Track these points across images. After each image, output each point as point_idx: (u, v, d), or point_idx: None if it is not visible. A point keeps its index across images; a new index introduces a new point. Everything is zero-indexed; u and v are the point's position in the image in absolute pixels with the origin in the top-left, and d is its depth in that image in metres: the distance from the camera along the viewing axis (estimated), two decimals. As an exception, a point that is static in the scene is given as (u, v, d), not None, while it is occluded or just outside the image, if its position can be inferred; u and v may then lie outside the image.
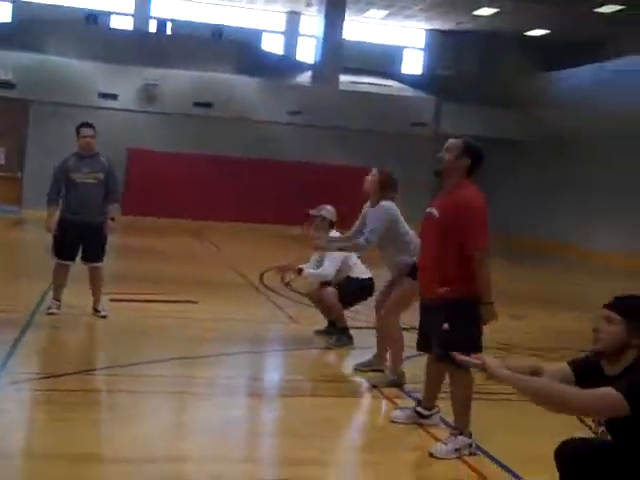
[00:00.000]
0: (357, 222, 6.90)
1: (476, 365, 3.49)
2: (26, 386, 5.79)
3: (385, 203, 6.57)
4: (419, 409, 5.51)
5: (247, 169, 23.98)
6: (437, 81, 28.47)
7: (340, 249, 7.22)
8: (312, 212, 8.14)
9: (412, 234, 6.57)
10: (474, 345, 4.93)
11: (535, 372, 3.52)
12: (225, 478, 4.44)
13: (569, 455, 3.48)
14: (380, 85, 27.30)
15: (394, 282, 6.63)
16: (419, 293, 5.41)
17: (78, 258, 8.44)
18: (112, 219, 8.43)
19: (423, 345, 5.40)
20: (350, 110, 24.64)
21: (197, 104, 23.74)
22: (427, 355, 5.42)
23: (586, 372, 3.46)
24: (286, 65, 27.30)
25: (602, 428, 3.39)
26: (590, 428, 4.01)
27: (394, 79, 28.84)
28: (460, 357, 3.60)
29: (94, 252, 8.43)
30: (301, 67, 27.46)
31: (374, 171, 6.73)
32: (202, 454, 4.83)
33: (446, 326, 4.96)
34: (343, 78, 26.03)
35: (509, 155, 24.48)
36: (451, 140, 5.22)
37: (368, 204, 6.78)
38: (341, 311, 7.86)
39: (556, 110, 24.41)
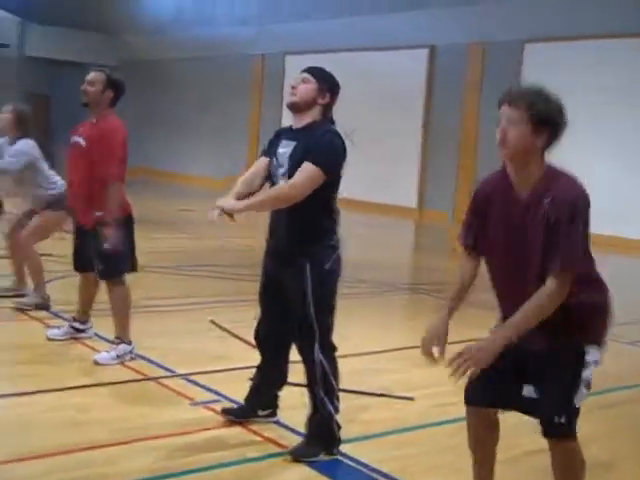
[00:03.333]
0: None
1: (221, 212, 3.88)
2: None
3: (28, 141, 6.70)
4: (75, 324, 6.00)
5: None
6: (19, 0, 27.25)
7: None
8: None
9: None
10: (130, 256, 5.63)
11: (252, 192, 4.08)
12: None
13: (272, 336, 4.26)
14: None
15: (33, 212, 6.86)
16: (76, 219, 5.82)
17: None
18: None
19: (79, 266, 5.85)
20: None
21: None
22: (75, 276, 5.90)
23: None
24: None
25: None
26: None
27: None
28: (211, 214, 3.91)
29: None
30: None
31: (8, 107, 6.79)
32: None
33: (106, 245, 5.46)
34: None
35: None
36: (93, 73, 5.56)
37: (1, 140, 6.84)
38: None
39: (142, 36, 25.03)
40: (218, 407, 4.61)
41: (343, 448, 4.10)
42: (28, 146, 6.71)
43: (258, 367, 4.42)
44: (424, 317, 7.62)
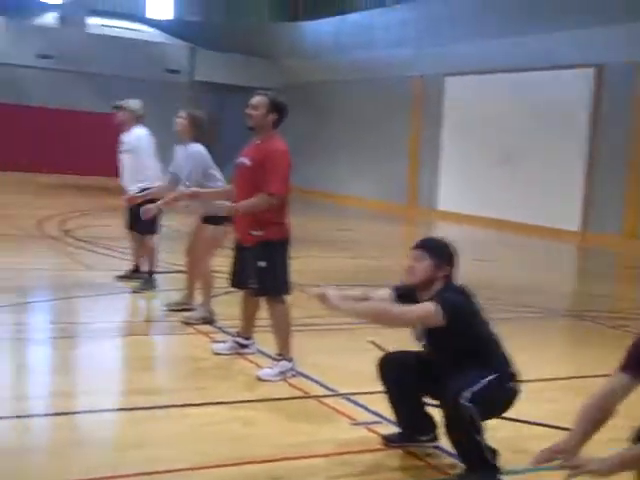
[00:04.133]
0: (171, 165, 7.30)
1: (318, 296, 4.12)
2: None
3: (198, 146, 7.04)
4: (239, 340, 6.17)
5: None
6: (188, 27, 28.63)
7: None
8: (117, 103, 8.25)
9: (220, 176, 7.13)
10: (285, 280, 5.71)
11: (366, 299, 4.30)
12: (72, 409, 4.87)
13: (393, 364, 4.31)
14: (131, 29, 26.98)
15: (202, 227, 7.15)
16: (236, 236, 5.96)
17: None
18: None
19: (236, 282, 5.99)
20: (101, 55, 24.22)
21: None
22: (239, 292, 6.06)
23: (406, 297, 4.28)
24: (29, 5, 26.10)
25: (423, 342, 4.24)
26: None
27: (142, 23, 28.59)
28: (310, 290, 4.25)
29: None
30: (45, 7, 26.38)
31: (182, 113, 7.15)
32: (47, 391, 5.21)
33: (262, 264, 5.60)
34: (92, 21, 25.42)
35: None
36: (257, 97, 5.72)
37: (179, 146, 7.19)
38: (155, 255, 8.24)
39: (302, 60, 25.63)
40: (379, 428, 4.61)
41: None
42: (201, 150, 7.02)
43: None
44: (588, 346, 7.34)
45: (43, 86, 23.65)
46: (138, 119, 8.27)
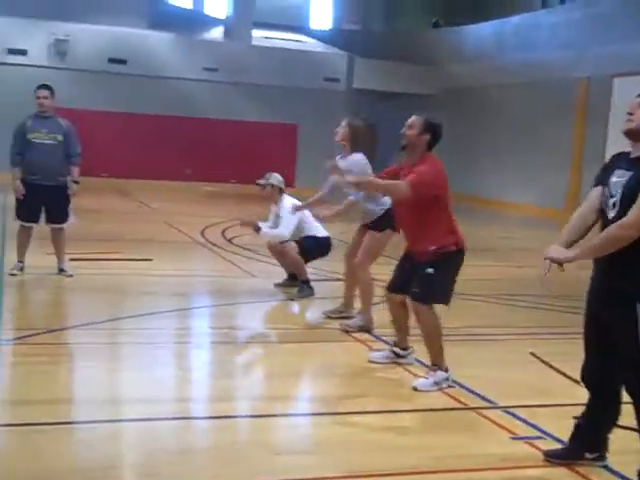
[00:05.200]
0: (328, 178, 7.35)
1: (554, 261, 3.85)
2: (28, 341, 6.08)
3: (358, 155, 7.05)
4: (395, 349, 6.11)
5: (162, 127, 24.02)
6: (346, 36, 28.94)
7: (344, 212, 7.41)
8: (261, 182, 8.56)
9: None
10: (450, 290, 5.57)
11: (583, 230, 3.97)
12: (232, 413, 4.96)
13: (598, 375, 4.04)
14: (292, 40, 27.58)
15: (363, 233, 7.14)
16: (407, 247, 5.79)
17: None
18: (76, 182, 8.63)
19: (395, 287, 5.86)
20: (264, 66, 24.89)
21: (112, 60, 23.54)
22: (387, 299, 5.97)
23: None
24: (196, 20, 27.21)
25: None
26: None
27: (304, 34, 29.15)
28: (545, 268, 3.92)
29: (57, 214, 8.64)
30: (211, 22, 27.41)
31: (344, 122, 7.19)
32: (208, 395, 5.36)
33: (430, 270, 5.49)
34: (255, 33, 26.18)
35: (418, 110, 25.27)
36: (413, 117, 5.65)
37: (339, 156, 7.20)
38: (302, 264, 8.37)
39: (463, 65, 25.31)
40: (541, 444, 4.42)
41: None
42: (361, 159, 7.04)
43: (587, 406, 4.16)
44: None
45: (208, 98, 24.58)
46: (281, 191, 8.52)
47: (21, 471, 3.82)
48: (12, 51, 22.87)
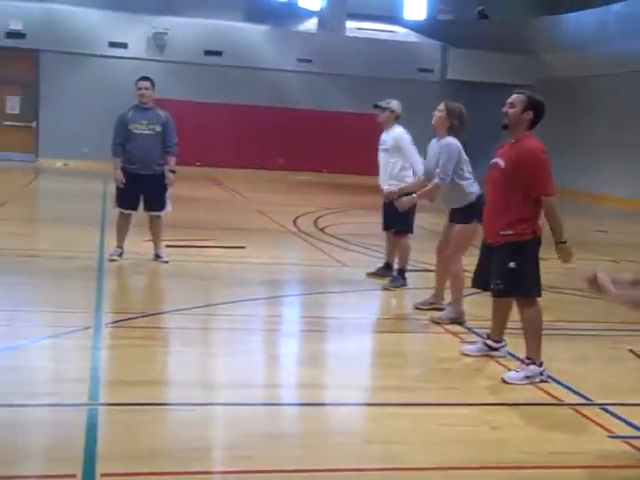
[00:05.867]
0: (425, 159, 7.30)
1: (588, 278, 3.86)
2: (128, 324, 6.27)
3: (451, 139, 6.97)
4: (489, 342, 6.01)
5: (256, 117, 24.32)
6: (440, 26, 28.62)
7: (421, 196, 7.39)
8: (381, 104, 8.38)
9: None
10: (535, 281, 5.47)
11: (637, 282, 3.91)
12: (322, 401, 5.00)
13: None
14: (385, 31, 27.46)
15: (452, 226, 7.07)
16: (484, 236, 5.81)
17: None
18: (172, 171, 8.82)
19: (480, 282, 5.84)
20: (357, 57, 24.90)
21: (207, 52, 23.96)
22: (488, 293, 5.89)
23: None
24: (291, 12, 27.37)
25: None
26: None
27: (398, 24, 28.97)
28: (580, 271, 3.96)
29: (155, 202, 8.86)
30: (306, 14, 27.53)
31: (441, 106, 7.10)
32: (298, 382, 5.42)
33: (512, 264, 5.41)
34: (348, 24, 26.18)
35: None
36: (514, 95, 5.59)
37: (435, 139, 7.14)
38: (408, 254, 8.33)
39: (562, 54, 24.69)
40: (638, 443, 4.29)
41: None
42: (453, 142, 6.94)
43: None
44: None
45: (301, 89, 24.75)
46: (397, 119, 8.39)
47: (118, 450, 3.93)
48: (113, 44, 23.55)
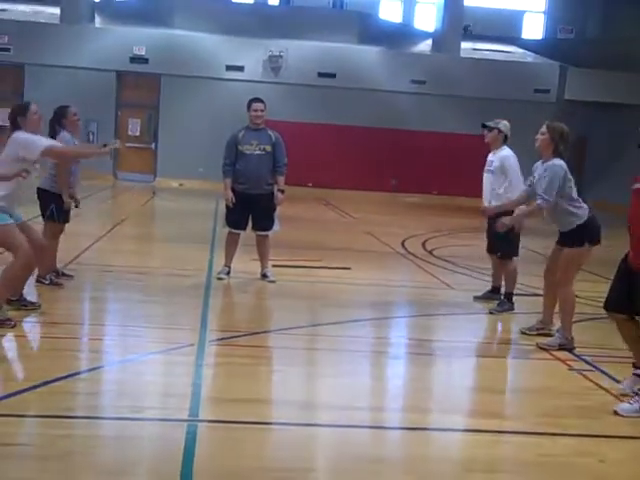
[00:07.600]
0: (528, 180, 7.11)
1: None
2: (232, 342, 6.37)
3: (557, 161, 6.74)
4: (637, 372, 5.60)
5: (369, 138, 24.37)
6: (559, 45, 28.00)
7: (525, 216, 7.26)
8: (489, 124, 8.30)
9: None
10: None
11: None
12: (424, 425, 4.92)
13: None
14: (501, 51, 27.08)
15: (561, 249, 6.83)
16: (629, 260, 5.41)
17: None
18: (281, 191, 8.93)
19: (617, 306, 5.47)
20: (471, 78, 24.62)
21: (321, 74, 24.24)
22: (601, 318, 5.61)
23: None
24: (405, 34, 27.38)
25: None
26: None
27: (515, 44, 28.51)
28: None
29: (263, 221, 8.97)
30: (420, 35, 27.47)
31: (543, 128, 6.88)
32: (401, 405, 5.35)
33: None
34: (464, 45, 25.97)
35: (636, 121, 23.95)
36: None
37: (539, 162, 6.93)
38: (516, 276, 8.14)
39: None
40: None
41: None
42: (559, 164, 6.69)
43: None
44: None
45: (415, 110, 24.66)
46: (505, 140, 8.25)
47: (214, 467, 3.98)
48: (230, 67, 24.13)
